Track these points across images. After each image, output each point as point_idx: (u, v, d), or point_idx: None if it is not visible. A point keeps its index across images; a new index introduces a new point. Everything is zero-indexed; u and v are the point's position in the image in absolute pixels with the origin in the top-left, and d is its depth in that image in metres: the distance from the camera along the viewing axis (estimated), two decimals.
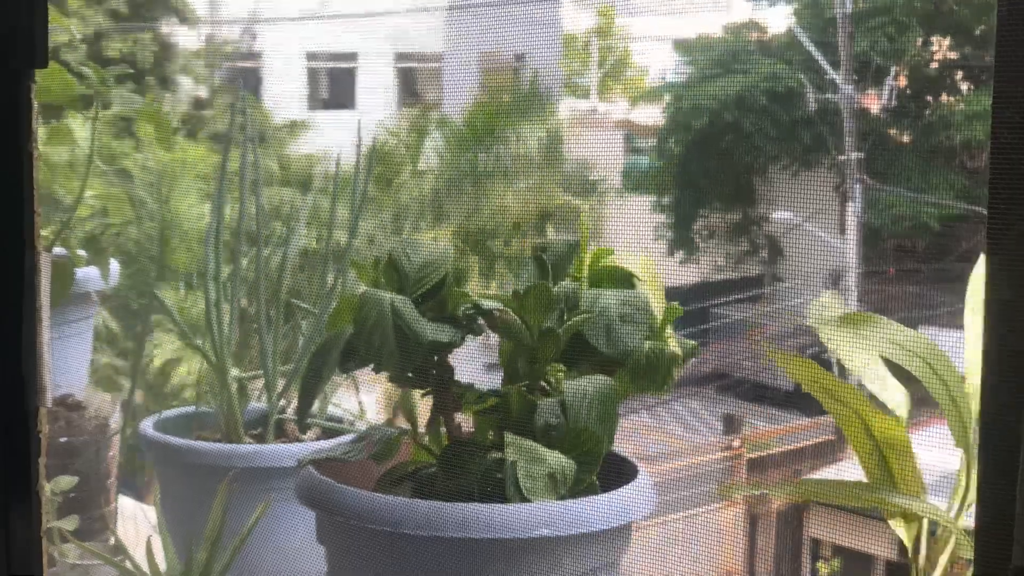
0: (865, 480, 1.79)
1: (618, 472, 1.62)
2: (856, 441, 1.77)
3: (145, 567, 1.91)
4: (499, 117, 9.63)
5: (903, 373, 1.78)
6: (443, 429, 1.66)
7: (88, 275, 2.43)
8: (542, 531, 1.47)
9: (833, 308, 1.87)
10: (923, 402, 1.80)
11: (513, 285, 1.62)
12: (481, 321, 1.62)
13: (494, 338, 1.67)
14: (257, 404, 2.24)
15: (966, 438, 1.72)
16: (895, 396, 1.78)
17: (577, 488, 1.53)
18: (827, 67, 14.56)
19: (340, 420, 2.22)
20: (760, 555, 10.05)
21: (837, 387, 1.77)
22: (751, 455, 11.04)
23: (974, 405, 1.70)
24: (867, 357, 1.79)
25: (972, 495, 1.72)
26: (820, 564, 9.62)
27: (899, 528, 1.78)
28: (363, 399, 2.28)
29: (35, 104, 1.25)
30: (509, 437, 1.52)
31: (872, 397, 1.79)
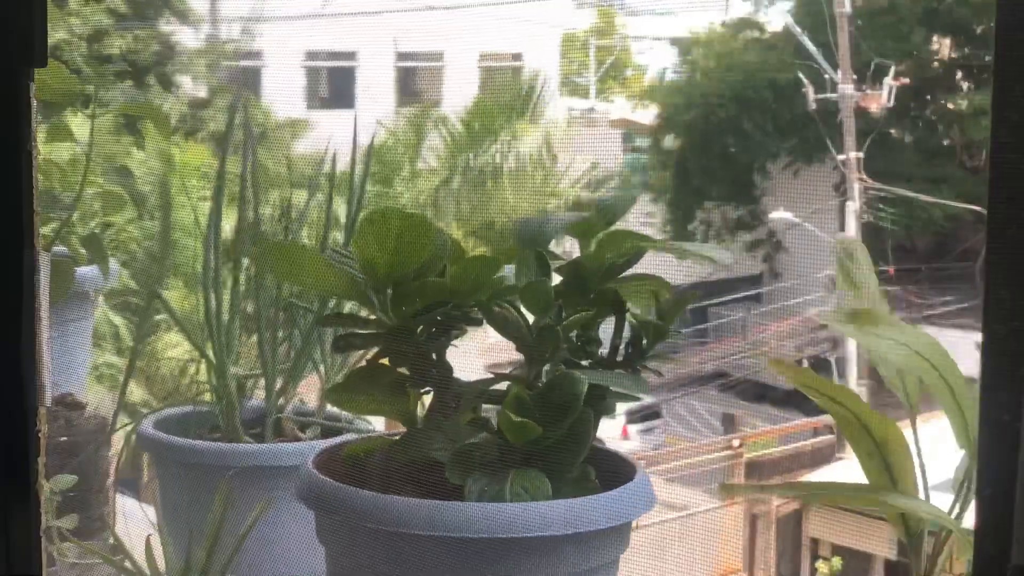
0: (865, 480, 1.79)
1: (617, 471, 1.62)
2: (855, 441, 1.78)
3: (144, 566, 1.91)
4: (497, 116, 9.63)
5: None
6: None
7: (88, 274, 2.42)
8: (541, 531, 1.47)
9: (857, 257, 1.86)
10: (925, 400, 1.81)
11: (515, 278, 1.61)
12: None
13: (493, 337, 1.67)
14: (256, 403, 2.24)
15: (968, 438, 1.72)
16: (908, 389, 1.78)
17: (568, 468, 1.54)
18: (826, 66, 14.56)
19: (338, 419, 2.22)
20: (759, 554, 10.06)
21: (833, 390, 1.78)
22: (750, 455, 11.06)
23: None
24: (877, 350, 1.79)
25: (972, 494, 1.72)
26: (819, 563, 9.63)
27: (898, 527, 1.78)
28: None
29: (34, 103, 1.26)
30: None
31: (877, 391, 1.79)
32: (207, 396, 2.24)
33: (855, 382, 11.90)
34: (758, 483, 7.80)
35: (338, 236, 2.25)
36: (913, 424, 1.77)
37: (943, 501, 1.75)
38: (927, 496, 1.77)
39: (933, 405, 1.89)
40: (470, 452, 1.54)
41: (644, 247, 1.64)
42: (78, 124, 2.32)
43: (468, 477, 1.51)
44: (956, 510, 1.74)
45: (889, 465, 1.76)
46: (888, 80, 14.65)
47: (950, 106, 15.42)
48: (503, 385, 1.63)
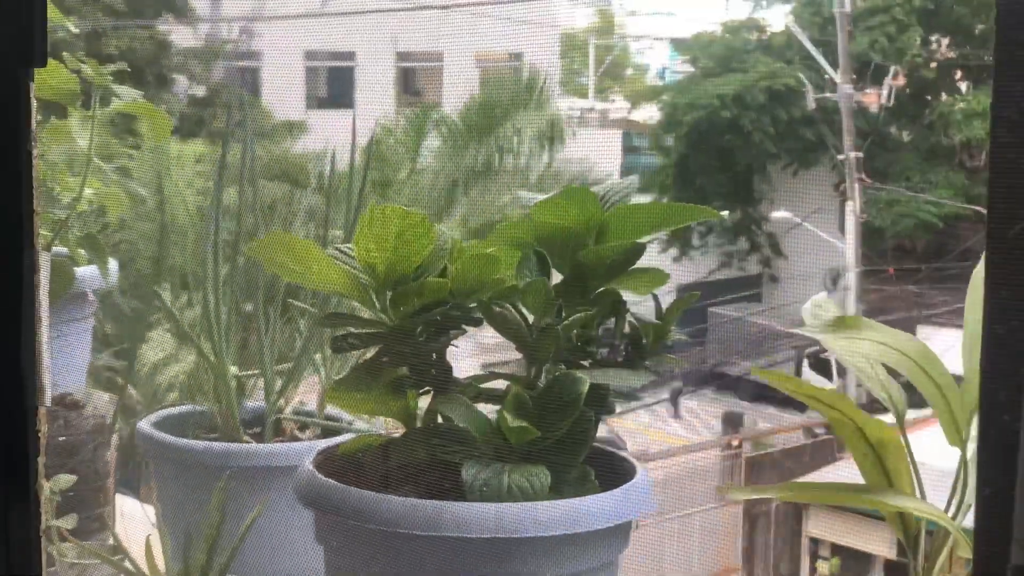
0: (863, 480, 1.80)
1: (617, 471, 1.62)
2: (852, 444, 1.78)
3: (143, 566, 1.91)
4: (496, 116, 9.63)
5: (895, 373, 1.79)
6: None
7: (87, 274, 2.42)
8: (541, 531, 1.47)
9: (828, 310, 1.87)
10: (923, 401, 1.81)
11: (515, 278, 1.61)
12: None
13: (491, 337, 1.67)
14: (255, 403, 2.23)
15: (960, 437, 1.73)
16: (892, 395, 1.78)
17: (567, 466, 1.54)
18: (826, 66, 14.56)
19: (338, 419, 2.22)
20: (759, 554, 10.07)
21: (825, 395, 1.79)
22: (749, 454, 11.07)
23: (972, 403, 1.70)
24: (862, 358, 1.79)
25: (969, 494, 1.72)
26: (819, 563, 9.63)
27: (897, 527, 1.78)
28: None
29: (34, 103, 1.25)
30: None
31: (870, 399, 1.80)
32: (206, 396, 2.23)
33: (854, 381, 11.90)
34: (757, 485, 7.81)
35: (337, 234, 2.25)
36: (902, 427, 1.77)
37: (944, 501, 1.75)
38: (924, 496, 1.77)
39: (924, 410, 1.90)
40: (470, 452, 1.54)
41: (643, 244, 1.63)
42: (77, 123, 2.32)
43: (466, 467, 1.51)
44: (954, 509, 1.74)
45: (885, 466, 1.76)
46: (888, 80, 14.65)
47: (949, 105, 15.42)
48: (503, 383, 1.63)
